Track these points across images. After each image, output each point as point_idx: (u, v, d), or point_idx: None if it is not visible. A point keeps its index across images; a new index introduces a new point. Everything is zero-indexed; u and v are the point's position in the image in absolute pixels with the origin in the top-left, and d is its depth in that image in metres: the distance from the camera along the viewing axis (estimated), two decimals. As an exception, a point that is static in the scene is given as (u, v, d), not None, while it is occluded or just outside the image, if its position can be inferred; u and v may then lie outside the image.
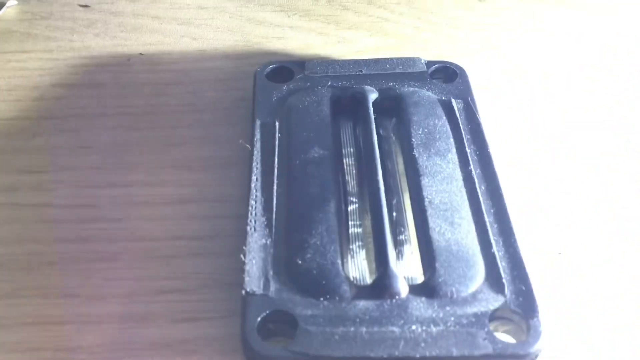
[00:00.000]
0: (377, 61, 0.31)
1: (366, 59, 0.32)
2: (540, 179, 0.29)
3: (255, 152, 0.27)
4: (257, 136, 0.28)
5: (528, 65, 0.34)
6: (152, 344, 0.24)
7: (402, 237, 0.26)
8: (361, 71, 0.31)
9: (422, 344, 0.21)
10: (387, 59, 0.31)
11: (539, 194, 0.29)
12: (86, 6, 0.36)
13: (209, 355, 0.24)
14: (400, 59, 0.31)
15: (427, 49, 0.35)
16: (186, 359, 0.24)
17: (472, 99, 0.30)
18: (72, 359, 0.24)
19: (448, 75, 0.31)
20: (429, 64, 0.31)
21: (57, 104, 0.32)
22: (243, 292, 0.22)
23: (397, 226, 0.26)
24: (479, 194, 0.26)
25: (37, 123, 0.31)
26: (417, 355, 0.21)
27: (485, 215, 0.25)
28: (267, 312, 0.22)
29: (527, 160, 0.30)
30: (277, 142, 0.27)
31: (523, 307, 0.22)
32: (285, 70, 0.31)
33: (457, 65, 0.31)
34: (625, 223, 0.28)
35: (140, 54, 0.34)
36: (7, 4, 0.36)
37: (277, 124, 0.28)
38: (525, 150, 0.30)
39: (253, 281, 0.23)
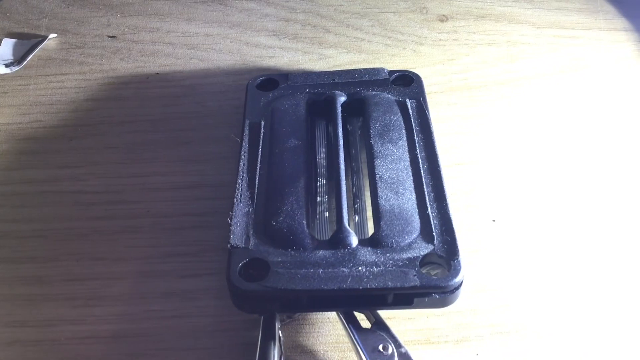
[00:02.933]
0: (347, 72, 0.38)
1: (338, 70, 0.38)
2: (478, 162, 0.36)
3: (244, 145, 0.34)
4: (246, 132, 0.34)
5: (476, 73, 0.40)
6: (163, 293, 0.31)
7: (357, 206, 0.32)
8: (334, 80, 0.37)
9: (365, 280, 0.27)
10: (356, 69, 0.38)
11: (476, 173, 0.35)
12: (113, 37, 0.44)
13: (206, 300, 0.31)
14: (367, 69, 0.38)
15: (395, 62, 0.41)
16: (189, 304, 0.31)
17: (424, 99, 0.36)
18: (101, 304, 0.31)
19: (406, 81, 0.37)
20: (391, 72, 0.38)
21: (89, 114, 0.39)
22: (229, 245, 0.29)
23: (355, 198, 0.33)
24: (421, 171, 0.32)
25: (73, 129, 0.38)
26: (360, 287, 0.27)
27: (425, 187, 0.31)
28: (247, 259, 0.28)
29: (467, 146, 0.36)
30: (261, 137, 0.34)
31: (447, 253, 0.28)
32: (271, 81, 0.38)
33: (413, 73, 0.38)
34: (551, 196, 0.34)
35: (157, 73, 0.41)
36: (49, 37, 0.43)
37: (262, 122, 0.35)
38: (465, 139, 0.37)
39: (237, 238, 0.29)
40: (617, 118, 0.37)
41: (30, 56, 0.42)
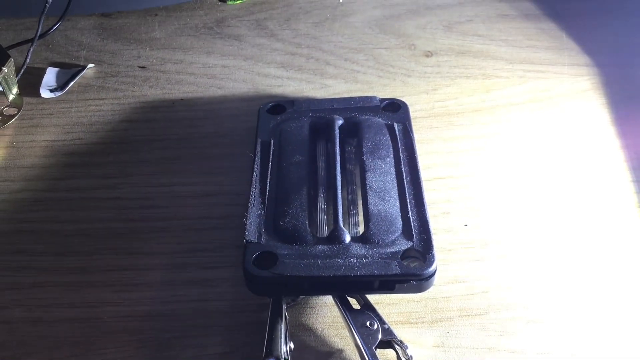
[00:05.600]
0: (344, 99, 0.45)
1: (337, 98, 0.45)
2: (454, 176, 0.42)
3: (256, 160, 0.40)
4: (258, 149, 0.41)
5: (455, 101, 0.47)
6: (187, 282, 0.37)
7: (351, 210, 0.38)
8: (333, 106, 0.44)
9: (356, 269, 0.33)
10: (352, 97, 0.44)
11: (452, 186, 0.41)
12: (143, 67, 0.50)
13: (224, 287, 0.37)
14: (361, 97, 0.44)
15: (385, 91, 0.48)
16: (210, 290, 0.37)
17: (409, 123, 0.42)
18: (136, 290, 0.37)
19: (394, 107, 0.44)
20: (382, 100, 0.44)
21: (124, 133, 0.45)
22: (244, 240, 0.35)
23: (349, 203, 0.39)
24: (405, 182, 0.38)
25: (110, 146, 0.45)
26: (352, 275, 0.33)
27: (407, 195, 0.37)
28: (259, 252, 0.35)
29: (445, 163, 0.43)
30: (271, 153, 0.40)
31: (423, 248, 0.34)
32: (280, 106, 0.44)
33: (400, 101, 0.44)
34: (515, 204, 0.40)
35: (181, 99, 0.48)
36: (87, 67, 0.50)
37: (272, 141, 0.41)
38: (443, 157, 0.43)
39: (251, 234, 0.36)
40: (575, 140, 0.44)
41: (72, 83, 0.49)
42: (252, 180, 0.39)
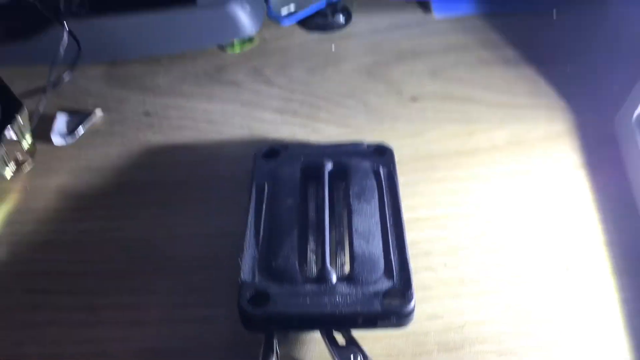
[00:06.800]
0: (334, 144, 0.48)
1: (327, 143, 0.48)
2: (436, 218, 0.45)
3: (252, 203, 0.43)
4: (253, 192, 0.44)
5: (439, 145, 0.50)
6: (186, 319, 0.40)
7: (340, 253, 0.42)
8: (323, 151, 0.47)
9: (341, 306, 0.37)
10: (341, 142, 0.48)
11: (433, 227, 0.44)
12: (147, 114, 0.54)
13: (221, 325, 0.40)
14: (350, 142, 0.48)
15: (374, 135, 0.51)
16: (208, 326, 0.40)
17: (394, 167, 0.46)
18: (138, 327, 0.40)
19: (381, 152, 0.47)
20: (369, 145, 0.48)
21: (129, 176, 0.49)
22: (239, 280, 0.38)
23: (337, 245, 0.42)
24: (388, 225, 0.41)
25: (116, 189, 0.48)
26: (337, 312, 0.36)
27: (390, 237, 0.40)
28: (253, 291, 0.38)
29: (427, 205, 0.46)
30: (265, 196, 0.44)
31: (403, 287, 0.37)
32: (274, 151, 0.47)
33: (386, 146, 0.47)
34: (489, 246, 0.43)
35: (183, 143, 0.51)
36: (95, 113, 0.53)
37: (266, 184, 0.45)
38: (426, 199, 0.46)
39: (246, 275, 0.39)
40: (549, 181, 0.47)
41: (81, 129, 0.52)
42: (247, 222, 0.42)
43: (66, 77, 0.54)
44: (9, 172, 0.48)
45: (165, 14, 0.56)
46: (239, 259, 0.39)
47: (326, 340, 0.37)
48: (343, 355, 0.37)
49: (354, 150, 0.47)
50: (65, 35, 0.52)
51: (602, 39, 0.58)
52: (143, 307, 0.41)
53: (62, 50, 0.51)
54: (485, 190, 0.47)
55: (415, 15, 0.63)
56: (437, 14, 0.63)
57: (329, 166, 0.46)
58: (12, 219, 0.46)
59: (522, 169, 0.48)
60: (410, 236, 0.41)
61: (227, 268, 0.41)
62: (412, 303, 0.37)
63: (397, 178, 0.45)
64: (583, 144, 0.49)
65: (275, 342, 0.37)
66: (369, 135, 0.51)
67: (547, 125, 0.51)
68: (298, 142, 0.51)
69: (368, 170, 0.45)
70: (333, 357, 0.37)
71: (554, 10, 0.61)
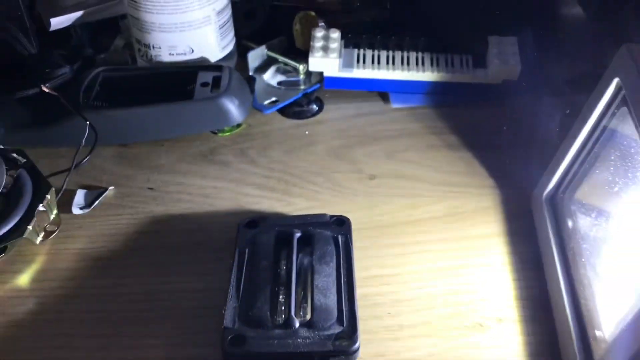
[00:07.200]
0: (303, 216, 0.59)
1: (298, 215, 0.60)
2: (382, 276, 0.56)
3: (235, 265, 0.54)
4: (236, 256, 0.55)
5: (389, 216, 0.62)
6: (184, 357, 0.51)
7: (303, 304, 0.53)
8: (294, 222, 0.58)
9: (302, 346, 0.47)
10: (308, 215, 0.59)
11: (380, 283, 0.55)
12: (151, 188, 0.65)
13: (213, 358, 0.50)
14: (315, 214, 0.59)
15: (337, 207, 0.62)
16: (198, 363, 0.50)
17: (350, 236, 0.57)
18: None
19: (340, 222, 0.58)
20: (331, 217, 0.59)
21: (136, 242, 0.60)
22: (223, 326, 0.49)
23: (302, 298, 0.53)
24: (342, 282, 0.52)
25: (126, 252, 0.59)
26: (298, 351, 0.47)
27: (343, 292, 0.51)
28: (233, 334, 0.48)
29: (377, 266, 0.57)
30: (245, 259, 0.55)
31: (351, 331, 0.48)
32: (254, 222, 0.58)
33: (345, 217, 0.58)
34: (428, 297, 0.54)
35: (181, 214, 0.63)
36: (108, 189, 0.65)
37: (247, 250, 0.56)
38: (376, 260, 0.57)
39: (228, 322, 0.49)
40: (478, 246, 0.58)
41: (96, 202, 0.63)
42: (230, 279, 0.53)
43: (85, 160, 0.65)
44: (39, 239, 0.59)
45: (167, 107, 0.68)
46: (223, 310, 0.50)
47: (291, 374, 0.48)
48: (303, 385, 0.47)
49: (318, 222, 0.58)
50: (86, 126, 0.64)
51: (529, 126, 0.70)
52: (148, 347, 0.51)
53: (83, 141, 0.63)
54: (424, 253, 0.58)
55: (376, 105, 0.76)
56: (394, 104, 0.75)
57: (297, 235, 0.57)
58: (41, 276, 0.57)
59: (454, 236, 0.59)
60: (362, 290, 0.53)
61: (215, 316, 0.52)
62: (357, 344, 0.48)
63: (351, 244, 0.56)
64: (505, 216, 0.61)
65: (251, 375, 0.48)
66: (333, 207, 0.62)
67: (477, 200, 0.63)
68: (274, 214, 0.62)
69: (329, 238, 0.57)
70: (296, 388, 0.47)
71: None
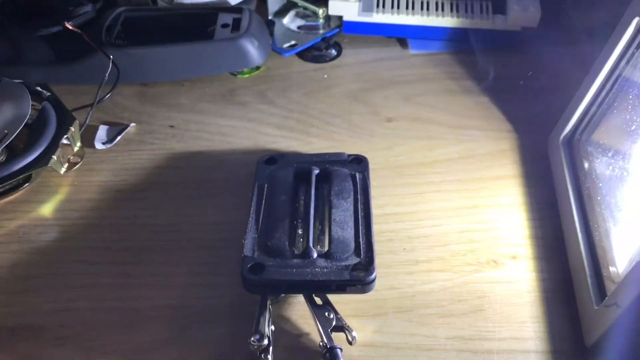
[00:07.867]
0: (321, 154, 0.60)
1: (316, 153, 0.60)
2: (399, 213, 0.57)
3: (254, 198, 0.55)
4: (255, 191, 0.56)
5: (406, 156, 0.62)
6: (202, 284, 0.52)
7: (321, 236, 0.54)
8: (312, 159, 0.59)
9: (319, 275, 0.48)
10: (327, 153, 0.60)
11: (397, 220, 0.56)
12: (172, 126, 0.66)
13: (229, 289, 0.51)
14: (334, 153, 0.60)
15: (354, 147, 0.63)
16: (217, 290, 0.51)
17: (368, 174, 0.57)
18: (165, 289, 0.52)
19: (358, 161, 0.59)
20: (349, 155, 0.60)
21: (157, 176, 0.61)
22: (242, 255, 0.50)
23: (319, 231, 0.54)
24: (359, 216, 0.53)
25: (147, 186, 0.60)
26: (316, 279, 0.48)
27: (360, 226, 0.52)
28: (253, 263, 0.50)
29: (393, 203, 0.58)
30: (265, 193, 0.56)
31: (367, 262, 0.49)
32: (273, 159, 0.59)
33: (362, 156, 0.59)
34: (442, 234, 0.55)
35: (200, 151, 0.64)
36: (130, 125, 0.66)
37: (266, 185, 0.57)
38: (393, 198, 0.58)
39: (247, 250, 0.51)
40: (491, 185, 0.59)
41: (118, 138, 0.65)
42: (250, 213, 0.54)
43: (107, 97, 0.66)
44: (63, 169, 0.60)
45: (187, 46, 0.69)
46: (242, 240, 0.51)
47: (307, 302, 0.49)
48: (320, 312, 0.48)
49: (336, 160, 0.59)
50: (109, 63, 0.65)
51: (547, 73, 0.70)
52: (168, 274, 0.53)
53: (106, 75, 0.64)
54: (439, 193, 0.59)
55: (395, 50, 0.76)
56: (413, 50, 0.76)
57: (316, 171, 0.58)
58: (64, 206, 0.59)
59: (470, 177, 0.60)
60: (378, 227, 0.54)
61: (234, 248, 0.53)
62: (374, 274, 0.49)
63: (369, 181, 0.57)
64: (521, 159, 0.61)
65: (268, 302, 0.49)
66: (350, 148, 0.63)
67: (494, 144, 0.63)
68: (292, 152, 0.63)
69: (347, 175, 0.58)
70: (313, 314, 0.48)
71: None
